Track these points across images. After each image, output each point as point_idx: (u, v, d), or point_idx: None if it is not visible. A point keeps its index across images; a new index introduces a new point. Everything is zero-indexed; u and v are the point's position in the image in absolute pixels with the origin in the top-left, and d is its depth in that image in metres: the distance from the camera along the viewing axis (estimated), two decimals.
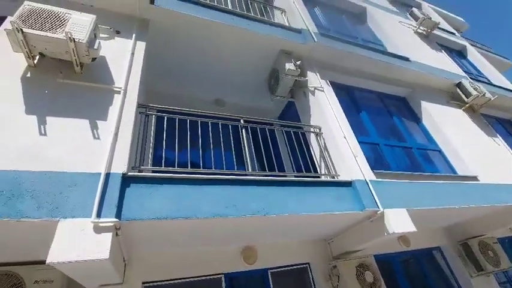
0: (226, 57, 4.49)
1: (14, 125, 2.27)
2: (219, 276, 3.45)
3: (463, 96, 5.79)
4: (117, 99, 2.75)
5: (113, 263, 2.15)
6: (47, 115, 2.42)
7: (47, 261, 1.83)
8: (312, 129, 3.89)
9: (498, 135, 5.83)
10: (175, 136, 2.93)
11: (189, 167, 2.75)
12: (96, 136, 2.45)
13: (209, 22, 3.90)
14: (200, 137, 3.01)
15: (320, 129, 3.86)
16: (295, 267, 3.97)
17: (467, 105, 5.79)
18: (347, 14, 7.02)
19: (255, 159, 3.15)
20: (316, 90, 4.11)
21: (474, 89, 5.74)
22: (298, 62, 4.17)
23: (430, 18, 7.61)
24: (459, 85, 5.97)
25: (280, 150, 3.66)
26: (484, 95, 5.69)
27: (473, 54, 9.02)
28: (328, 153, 3.69)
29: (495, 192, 4.29)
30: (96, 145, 2.40)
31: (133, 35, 3.37)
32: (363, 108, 4.76)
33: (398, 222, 3.10)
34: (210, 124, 3.18)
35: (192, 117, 3.15)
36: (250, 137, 3.30)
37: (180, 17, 3.77)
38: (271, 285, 3.68)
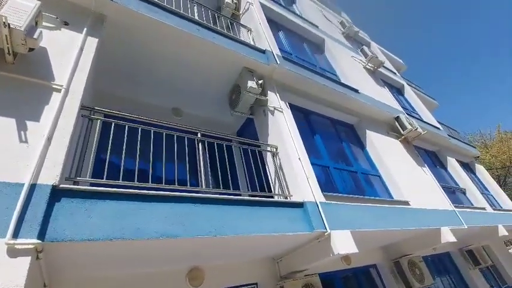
0: (187, 65, 4.36)
1: None
2: None
3: (400, 129, 6.56)
4: (56, 98, 2.41)
5: (49, 275, 1.79)
6: None
7: None
8: (269, 148, 3.95)
9: (426, 165, 6.70)
10: (122, 145, 2.66)
11: (136, 180, 2.50)
12: (24, 139, 2.08)
13: (172, 28, 3.76)
14: (152, 148, 2.79)
15: (277, 149, 3.94)
16: (243, 287, 3.85)
17: (403, 137, 6.57)
18: (308, 42, 7.51)
19: (209, 174, 3.03)
20: (275, 110, 4.21)
21: (409, 123, 6.56)
22: (260, 81, 4.26)
23: (377, 57, 8.60)
24: (397, 119, 6.77)
25: (236, 167, 3.60)
26: (416, 129, 6.53)
27: (409, 93, 10.41)
28: (283, 173, 3.76)
29: (422, 216, 4.86)
30: (22, 150, 2.03)
31: (85, 29, 3.05)
32: (317, 132, 5.04)
33: (343, 243, 3.26)
34: (164, 135, 2.98)
35: (145, 125, 2.92)
36: (207, 151, 3.19)
37: (141, 18, 3.56)
38: None
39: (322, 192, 3.67)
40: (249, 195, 3.16)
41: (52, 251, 1.95)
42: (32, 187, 1.92)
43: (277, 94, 4.52)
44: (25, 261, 1.71)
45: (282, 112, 4.26)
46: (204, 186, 2.89)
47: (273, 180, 3.78)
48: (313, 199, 3.46)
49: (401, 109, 7.64)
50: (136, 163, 2.64)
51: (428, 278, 5.36)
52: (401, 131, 6.51)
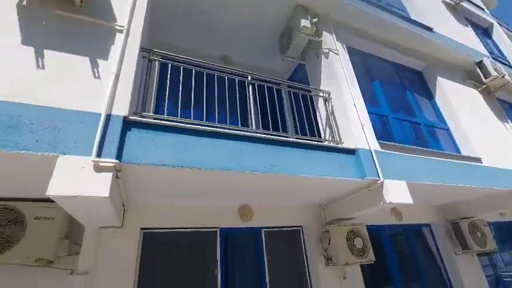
0: (238, 7, 4.15)
1: (9, 56, 2.14)
2: (214, 229, 3.56)
3: (482, 76, 5.52)
4: (119, 38, 2.57)
5: (112, 204, 2.16)
6: (44, 48, 2.27)
7: (46, 194, 1.83)
8: (321, 94, 3.74)
9: (509, 120, 5.67)
10: (179, 86, 2.79)
11: (192, 118, 2.66)
12: (97, 75, 2.33)
13: None
14: (205, 90, 2.88)
15: (329, 95, 3.71)
16: (288, 228, 4.10)
17: (484, 86, 5.55)
18: None
19: (260, 117, 3.05)
20: (330, 53, 3.87)
21: (494, 69, 5.45)
22: (315, 20, 3.87)
23: None
24: (479, 64, 5.66)
25: (285, 112, 3.55)
26: (503, 76, 5.42)
27: (499, 34, 8.46)
28: (335, 119, 3.58)
29: (495, 176, 4.27)
30: (97, 85, 2.29)
31: None
32: (377, 78, 4.55)
33: (396, 193, 3.11)
34: (216, 78, 3.03)
35: (199, 68, 2.98)
36: (257, 95, 3.17)
37: None
38: (264, 243, 3.82)
39: (377, 140, 3.44)
40: (299, 139, 3.12)
41: (127, 172, 2.27)
42: (107, 117, 2.19)
43: (333, 34, 4.10)
44: (108, 176, 2.03)
45: (338, 54, 3.90)
46: (254, 127, 2.95)
47: (324, 126, 3.65)
48: (367, 147, 3.28)
49: (486, 53, 6.33)
50: (192, 103, 2.77)
51: (490, 243, 4.93)
52: (483, 79, 5.48)
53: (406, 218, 4.85)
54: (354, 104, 3.52)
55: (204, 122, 2.67)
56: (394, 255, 4.59)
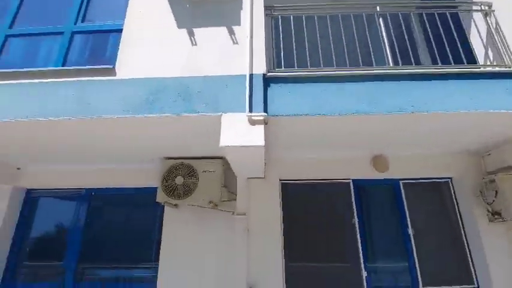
0: None
1: (173, 39, 2.65)
2: (347, 181, 3.55)
3: None
4: (246, 3, 2.73)
5: (262, 154, 2.46)
6: (192, 27, 2.69)
7: (220, 145, 2.24)
8: (475, 7, 2.89)
9: None
10: (303, 36, 2.76)
11: (322, 65, 2.60)
12: (235, 41, 2.59)
13: None
14: (330, 34, 2.73)
15: (490, 6, 2.82)
16: (433, 180, 3.61)
17: None
18: None
19: (397, 50, 2.67)
20: None
21: None
22: None
23: None
24: None
25: (418, 41, 2.97)
26: None
27: None
28: (502, 36, 2.72)
29: None
30: (237, 49, 2.56)
31: None
32: None
33: None
34: (340, 17, 2.81)
35: (319, 11, 2.84)
36: (390, 25, 2.76)
37: None
38: (403, 196, 3.54)
39: None
40: (439, 69, 2.55)
41: (271, 125, 2.49)
42: (251, 76, 2.43)
43: None
44: (260, 128, 2.29)
45: None
46: (391, 64, 2.62)
47: (485, 47, 2.85)
48: None
49: None
50: (319, 49, 2.70)
51: None
52: None
53: None
54: None
55: (336, 67, 2.57)
56: None
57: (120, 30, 2.80)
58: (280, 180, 3.52)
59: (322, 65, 2.60)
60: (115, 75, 2.56)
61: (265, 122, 2.37)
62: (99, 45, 3.00)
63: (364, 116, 2.35)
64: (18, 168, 4.06)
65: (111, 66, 2.58)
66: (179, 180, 3.40)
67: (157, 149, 3.35)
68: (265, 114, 2.31)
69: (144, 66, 2.58)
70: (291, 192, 3.57)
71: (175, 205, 3.66)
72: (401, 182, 3.57)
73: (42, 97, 2.52)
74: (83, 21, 3.09)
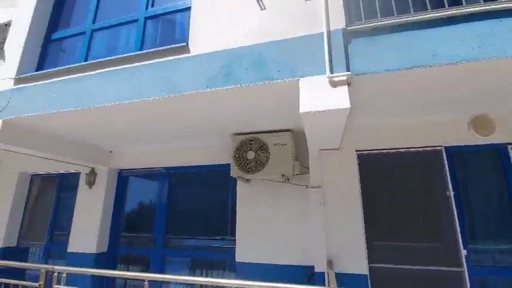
0: None
1: (241, 7, 2.56)
2: (438, 148, 3.10)
3: None
4: None
5: (344, 119, 2.26)
6: None
7: (300, 111, 2.12)
8: None
9: None
10: None
11: (412, 11, 2.21)
12: None
13: None
14: None
15: None
16: None
17: None
18: None
19: None
20: None
21: None
22: None
23: None
24: None
25: None
26: None
27: None
28: None
29: None
30: (310, 5, 2.34)
31: None
32: None
33: None
34: None
35: None
36: None
37: None
38: None
39: None
40: None
41: (354, 86, 2.25)
42: (328, 34, 2.20)
43: None
44: (343, 90, 2.08)
45: None
46: None
47: None
48: None
49: None
50: None
51: None
52: None
53: None
54: None
55: (428, 10, 2.15)
56: None
57: (189, 8, 2.83)
58: (356, 151, 3.26)
59: (412, 11, 2.21)
60: (189, 52, 2.62)
61: (348, 83, 2.15)
62: (171, 26, 3.10)
63: (469, 64, 1.94)
64: (111, 152, 4.64)
65: (184, 44, 2.64)
66: (250, 154, 3.43)
67: (228, 125, 3.40)
68: (349, 73, 2.08)
69: (215, 40, 2.56)
70: (369, 163, 3.28)
71: (248, 180, 3.75)
72: (510, 146, 2.96)
73: (125, 81, 2.74)
74: (152, 5, 3.21)
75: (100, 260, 4.36)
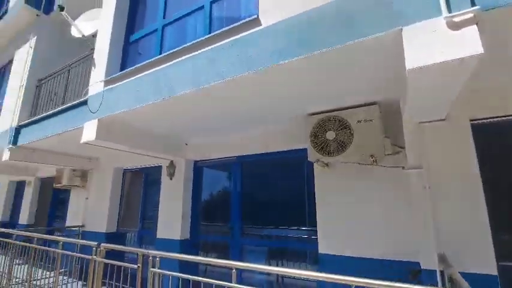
0: None
1: None
2: None
3: None
4: None
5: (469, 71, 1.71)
6: None
7: (406, 68, 1.67)
8: None
9: None
10: None
11: None
12: None
13: None
14: None
15: None
16: None
17: None
18: None
19: None
20: None
21: None
22: None
23: None
24: None
25: None
26: None
27: None
28: None
29: None
30: None
31: None
32: None
33: None
34: None
35: None
36: None
37: None
38: None
39: None
40: None
41: (481, 26, 1.68)
42: None
43: None
44: (472, 29, 1.55)
45: None
46: None
47: None
48: None
49: None
50: None
51: None
52: None
53: None
54: None
55: None
56: None
57: None
58: (471, 120, 2.57)
59: None
60: (261, 25, 2.40)
61: (476, 22, 1.60)
62: (237, 4, 2.95)
63: None
64: (186, 144, 4.86)
65: (255, 16, 2.44)
66: (330, 135, 3.06)
67: (303, 104, 3.10)
68: (476, 7, 1.54)
69: (285, 6, 2.28)
70: (489, 135, 2.56)
71: (327, 164, 3.39)
72: None
73: (200, 66, 2.69)
74: None
75: (184, 246, 4.63)
